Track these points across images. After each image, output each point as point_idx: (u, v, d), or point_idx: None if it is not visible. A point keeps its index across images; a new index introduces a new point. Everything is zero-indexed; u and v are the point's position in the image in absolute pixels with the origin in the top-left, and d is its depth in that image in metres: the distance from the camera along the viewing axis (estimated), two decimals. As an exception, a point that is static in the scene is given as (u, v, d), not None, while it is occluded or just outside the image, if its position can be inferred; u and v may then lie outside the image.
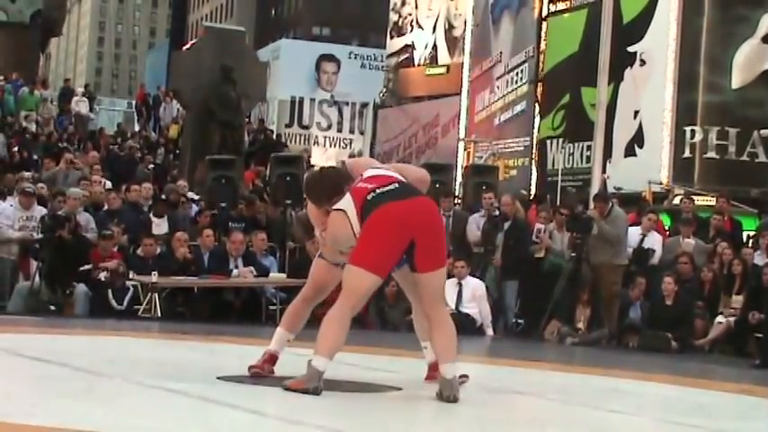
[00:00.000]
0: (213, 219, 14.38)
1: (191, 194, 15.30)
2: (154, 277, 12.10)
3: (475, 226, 13.60)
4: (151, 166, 21.54)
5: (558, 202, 17.66)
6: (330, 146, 37.01)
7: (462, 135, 28.79)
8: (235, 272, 12.72)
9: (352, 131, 37.48)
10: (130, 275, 12.39)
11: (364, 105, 37.29)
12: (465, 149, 28.11)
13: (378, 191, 5.64)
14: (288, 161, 16.74)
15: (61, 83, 40.07)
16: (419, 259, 5.60)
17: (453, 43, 33.54)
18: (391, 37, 37.62)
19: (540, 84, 25.54)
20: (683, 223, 13.85)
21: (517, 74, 26.74)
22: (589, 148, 20.12)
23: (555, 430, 5.34)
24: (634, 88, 22.09)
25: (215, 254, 12.95)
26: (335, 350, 5.53)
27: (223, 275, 12.64)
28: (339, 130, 37.39)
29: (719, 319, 12.24)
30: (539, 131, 25.35)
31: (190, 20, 70.64)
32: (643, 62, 21.93)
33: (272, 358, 6.13)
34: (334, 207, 5.72)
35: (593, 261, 12.63)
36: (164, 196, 15.02)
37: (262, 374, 6.01)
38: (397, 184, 5.71)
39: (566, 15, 24.97)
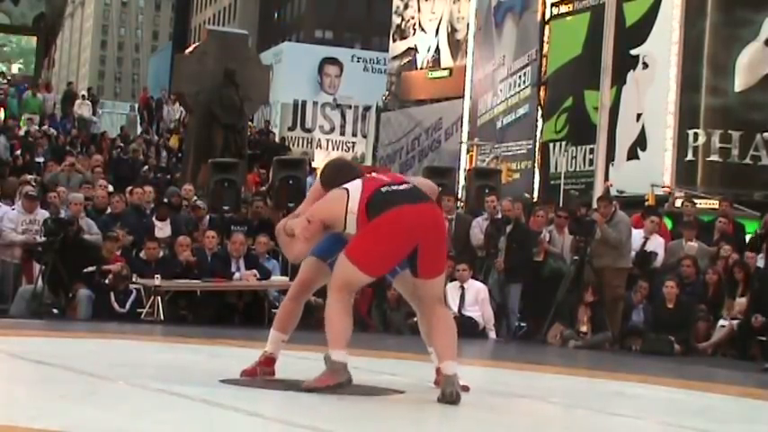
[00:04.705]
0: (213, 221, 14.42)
1: (199, 203, 15.25)
2: (157, 280, 12.11)
3: (478, 229, 13.59)
4: (146, 167, 21.56)
5: (561, 205, 17.65)
6: (333, 149, 37.05)
7: (465, 138, 28.80)
8: (237, 275, 12.73)
9: (354, 135, 37.52)
10: (133, 279, 12.40)
11: (367, 108, 37.34)
12: (468, 152, 28.12)
13: (393, 187, 5.67)
14: (290, 164, 16.73)
15: (65, 86, 40.12)
16: (422, 265, 5.65)
17: (456, 46, 33.59)
18: (394, 40, 37.67)
19: (542, 87, 25.56)
20: (685, 226, 13.83)
21: (520, 77, 26.76)
22: (592, 151, 20.13)
23: (558, 434, 5.33)
24: (637, 91, 22.10)
25: (217, 256, 12.97)
26: (347, 338, 5.60)
27: (225, 278, 12.65)
28: (342, 134, 37.43)
29: (723, 322, 12.23)
30: (541, 134, 25.36)
31: (193, 23, 70.70)
32: (646, 65, 21.93)
33: (268, 360, 6.15)
34: (341, 186, 5.75)
35: (597, 265, 12.63)
36: (166, 199, 15.03)
37: (255, 377, 6.03)
38: (409, 185, 5.76)
39: (568, 18, 24.98)
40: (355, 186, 5.70)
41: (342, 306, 5.61)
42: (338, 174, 5.99)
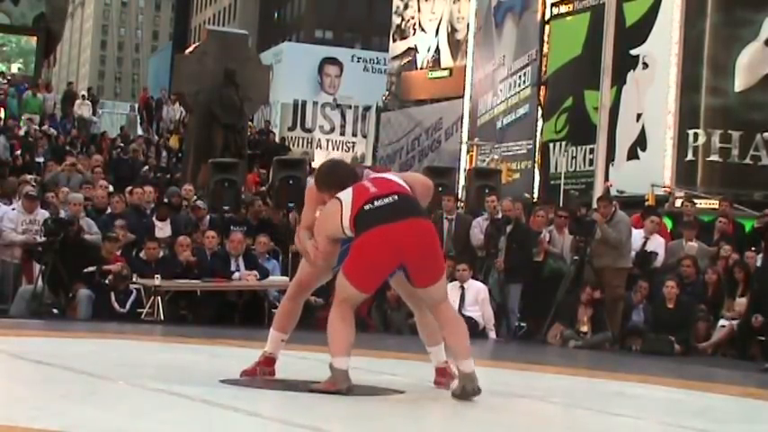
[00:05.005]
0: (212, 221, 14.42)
1: (199, 203, 15.23)
2: (157, 280, 12.11)
3: (478, 229, 13.59)
4: (146, 167, 21.56)
5: (561, 205, 17.65)
6: (333, 149, 37.04)
7: (465, 138, 28.80)
8: (236, 274, 12.71)
9: (354, 135, 37.50)
10: (134, 278, 12.40)
11: (367, 108, 37.32)
12: (468, 153, 28.12)
13: (376, 202, 5.67)
14: (290, 164, 16.73)
15: (65, 86, 40.10)
16: (413, 278, 5.75)
17: (456, 46, 33.58)
18: (394, 40, 37.66)
19: (542, 87, 25.56)
20: (685, 226, 13.84)
21: (520, 77, 26.76)
22: (592, 151, 20.16)
23: (558, 433, 5.33)
24: (637, 91, 22.10)
25: (217, 255, 12.97)
26: (349, 346, 5.65)
27: (225, 277, 12.63)
28: (342, 134, 37.41)
29: (722, 322, 12.23)
30: (541, 134, 25.36)
31: (193, 23, 70.69)
32: (646, 65, 21.93)
33: (267, 360, 6.15)
34: (335, 196, 5.80)
35: (597, 265, 12.63)
36: (166, 199, 15.03)
37: (255, 377, 6.04)
38: (396, 197, 5.72)
39: (569, 18, 24.98)
40: (347, 195, 5.74)
41: (342, 317, 5.68)
42: (330, 176, 6.00)
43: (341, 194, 5.77)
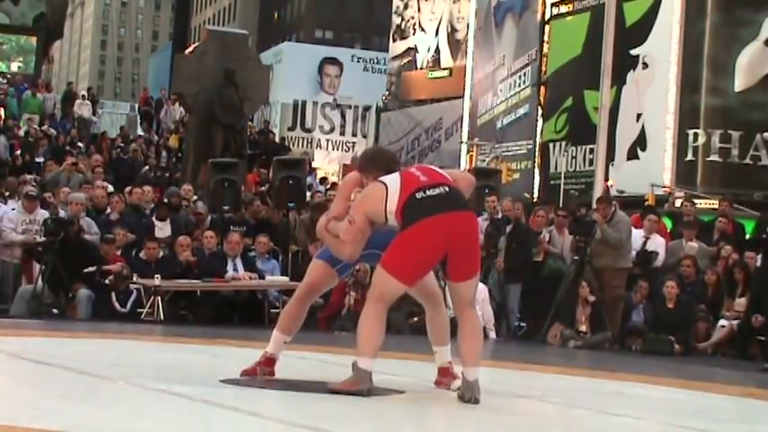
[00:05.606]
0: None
1: (199, 203, 15.23)
2: (157, 280, 12.10)
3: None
4: (146, 167, 21.56)
5: (561, 205, 17.66)
6: (333, 149, 37.05)
7: (465, 138, 28.82)
8: (229, 273, 12.66)
9: (354, 135, 37.49)
10: (134, 278, 12.40)
11: (367, 108, 37.33)
12: (468, 153, 28.14)
13: (427, 191, 5.62)
14: (290, 164, 16.72)
15: (64, 86, 40.09)
16: (452, 270, 5.69)
17: (456, 46, 33.62)
18: (394, 40, 37.70)
19: (542, 87, 25.58)
20: (685, 226, 13.84)
21: (520, 77, 26.78)
22: (592, 151, 20.17)
23: (558, 433, 5.33)
24: (637, 91, 22.12)
25: (215, 255, 12.96)
26: (377, 348, 5.61)
27: (219, 276, 12.61)
28: (342, 134, 37.40)
29: (722, 322, 12.23)
30: (541, 135, 25.39)
31: (193, 23, 70.66)
32: (646, 65, 21.96)
33: (268, 361, 6.15)
34: (379, 179, 5.75)
35: (596, 265, 12.62)
36: (166, 199, 15.03)
37: (255, 377, 6.04)
38: (447, 188, 5.68)
39: (568, 18, 25.00)
40: (393, 181, 5.68)
41: (377, 316, 5.62)
42: (376, 158, 6.00)
43: (385, 179, 5.72)
